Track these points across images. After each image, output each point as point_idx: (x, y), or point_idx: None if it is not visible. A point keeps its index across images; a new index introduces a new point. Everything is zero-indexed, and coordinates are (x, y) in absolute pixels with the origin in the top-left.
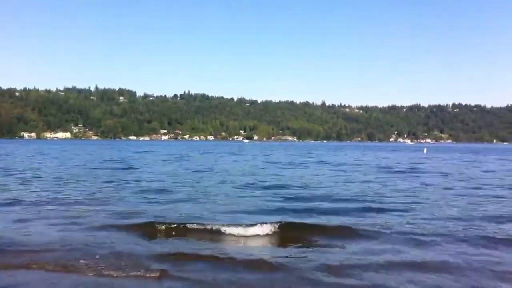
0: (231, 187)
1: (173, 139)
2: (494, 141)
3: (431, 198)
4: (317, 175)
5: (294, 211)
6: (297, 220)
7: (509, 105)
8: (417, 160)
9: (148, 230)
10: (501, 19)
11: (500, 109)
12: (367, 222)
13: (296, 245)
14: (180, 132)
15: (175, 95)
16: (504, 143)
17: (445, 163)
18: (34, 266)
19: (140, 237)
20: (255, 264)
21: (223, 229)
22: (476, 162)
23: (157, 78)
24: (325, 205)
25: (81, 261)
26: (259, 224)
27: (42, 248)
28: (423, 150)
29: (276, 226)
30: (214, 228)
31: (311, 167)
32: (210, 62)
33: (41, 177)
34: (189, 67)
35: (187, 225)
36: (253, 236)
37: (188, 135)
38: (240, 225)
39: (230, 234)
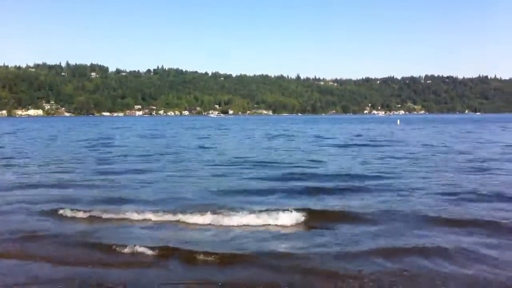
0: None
1: (147, 115)
2: (466, 111)
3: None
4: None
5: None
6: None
7: (481, 75)
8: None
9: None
10: None
11: (471, 79)
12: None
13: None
14: (155, 107)
15: (149, 70)
16: (477, 113)
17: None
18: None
19: None
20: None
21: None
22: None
23: (130, 53)
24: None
25: None
26: (285, 212)
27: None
28: (397, 122)
29: (303, 214)
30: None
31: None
32: (183, 36)
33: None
34: (162, 42)
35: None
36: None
37: (162, 111)
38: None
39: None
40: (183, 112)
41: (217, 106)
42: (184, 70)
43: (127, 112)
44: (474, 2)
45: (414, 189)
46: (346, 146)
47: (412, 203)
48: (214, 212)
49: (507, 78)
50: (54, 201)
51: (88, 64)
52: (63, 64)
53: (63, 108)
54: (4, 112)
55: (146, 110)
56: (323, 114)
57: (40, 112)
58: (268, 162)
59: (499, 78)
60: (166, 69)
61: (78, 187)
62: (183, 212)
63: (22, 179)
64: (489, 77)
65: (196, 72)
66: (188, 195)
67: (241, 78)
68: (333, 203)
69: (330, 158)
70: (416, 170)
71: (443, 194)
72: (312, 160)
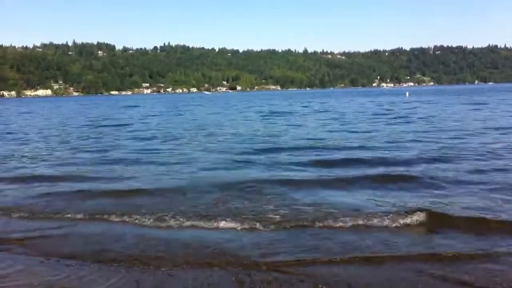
0: None
1: (156, 93)
2: (476, 81)
3: None
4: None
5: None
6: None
7: (490, 45)
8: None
9: None
10: None
11: (481, 49)
12: None
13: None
14: (163, 85)
15: (155, 48)
16: (489, 83)
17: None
18: None
19: None
20: None
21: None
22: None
23: (136, 30)
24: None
25: None
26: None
27: None
28: (406, 94)
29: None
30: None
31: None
32: (189, 12)
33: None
34: (168, 19)
35: None
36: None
37: (170, 88)
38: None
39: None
40: (191, 89)
41: (225, 82)
42: (191, 46)
43: (136, 90)
44: None
45: None
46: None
47: None
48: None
49: None
50: None
51: (95, 43)
52: (70, 44)
53: (72, 88)
54: (13, 93)
55: (154, 88)
56: (332, 88)
57: (49, 92)
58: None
59: (508, 47)
60: (173, 46)
61: None
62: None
63: None
64: (498, 46)
65: (203, 48)
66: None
67: (248, 54)
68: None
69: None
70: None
71: None
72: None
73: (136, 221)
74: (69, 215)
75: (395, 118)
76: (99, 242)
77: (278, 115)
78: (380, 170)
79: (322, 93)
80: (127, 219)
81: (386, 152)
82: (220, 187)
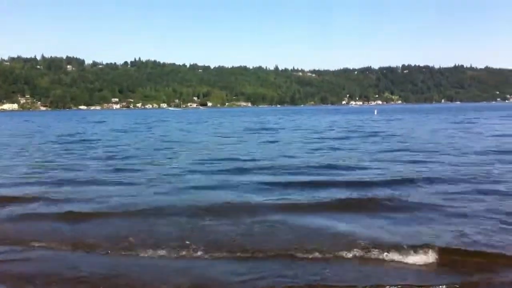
0: None
1: (125, 108)
2: (443, 101)
3: None
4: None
5: None
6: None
7: (457, 65)
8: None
9: None
10: None
11: (448, 69)
12: None
13: None
14: (132, 100)
15: (126, 63)
16: (457, 102)
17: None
18: None
19: None
20: None
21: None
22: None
23: (106, 45)
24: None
25: None
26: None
27: None
28: (374, 112)
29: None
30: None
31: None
32: (160, 27)
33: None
34: (139, 34)
35: None
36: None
37: (140, 104)
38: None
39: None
40: (161, 105)
41: (195, 98)
42: (162, 62)
43: (105, 105)
44: None
45: None
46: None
47: None
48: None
49: (482, 67)
50: None
51: (64, 57)
52: (39, 57)
53: (39, 102)
54: None
55: (124, 104)
56: (302, 105)
57: (15, 106)
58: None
59: (474, 67)
60: (144, 61)
61: None
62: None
63: None
64: (464, 66)
65: (174, 64)
66: None
67: (220, 70)
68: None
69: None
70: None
71: None
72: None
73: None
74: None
75: (368, 136)
76: None
77: (256, 132)
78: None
79: (293, 110)
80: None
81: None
82: (170, 210)
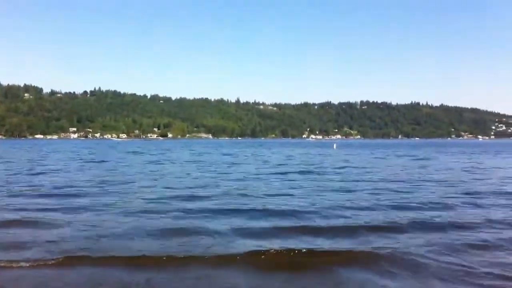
0: None
1: (83, 138)
2: (400, 136)
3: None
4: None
5: None
6: None
7: (413, 102)
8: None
9: None
10: (402, 20)
11: (404, 105)
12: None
13: None
14: (91, 130)
15: (85, 92)
16: (416, 138)
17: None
18: None
19: None
20: None
21: None
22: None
23: (65, 74)
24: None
25: None
26: None
27: None
28: (333, 146)
29: None
30: None
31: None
32: (121, 57)
33: None
34: (99, 63)
35: None
36: None
37: (99, 134)
38: None
39: None
40: (120, 135)
41: (156, 129)
42: (122, 92)
43: (62, 135)
44: (406, 33)
45: None
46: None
47: None
48: None
49: (437, 104)
50: None
51: (21, 84)
52: None
53: None
54: None
55: (82, 133)
56: (263, 138)
57: None
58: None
59: (430, 104)
60: (104, 91)
61: None
62: None
63: None
64: (420, 103)
65: (135, 94)
66: None
67: (181, 101)
68: None
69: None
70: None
71: None
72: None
73: None
74: None
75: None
76: None
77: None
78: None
79: (253, 142)
80: None
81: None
82: None
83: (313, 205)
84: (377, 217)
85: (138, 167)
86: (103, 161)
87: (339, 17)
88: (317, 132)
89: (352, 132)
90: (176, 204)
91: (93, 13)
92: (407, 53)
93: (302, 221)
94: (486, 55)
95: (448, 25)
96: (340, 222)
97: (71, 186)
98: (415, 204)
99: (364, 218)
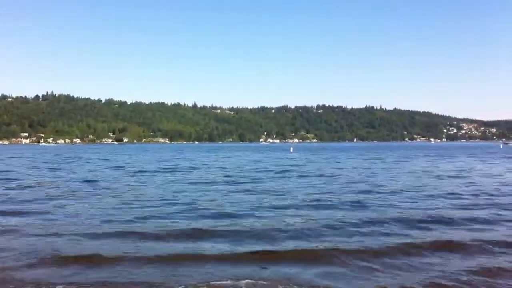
0: None
1: (35, 143)
2: (355, 140)
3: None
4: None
5: None
6: None
7: (368, 106)
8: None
9: None
10: (355, 25)
11: (359, 109)
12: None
13: None
14: (43, 135)
15: (37, 96)
16: (374, 141)
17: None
18: None
19: None
20: None
21: None
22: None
23: (16, 78)
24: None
25: None
26: None
27: None
28: (290, 149)
29: None
30: None
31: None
32: (75, 61)
33: None
34: (52, 66)
35: None
36: None
37: (52, 139)
38: None
39: None
40: (74, 140)
41: (111, 134)
42: (75, 96)
43: (13, 140)
44: (357, 37)
45: None
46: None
47: None
48: None
49: (391, 108)
50: None
51: None
52: None
53: None
54: None
55: (34, 138)
56: (220, 142)
57: None
58: None
59: (384, 108)
60: (56, 95)
61: None
62: None
63: None
64: (375, 107)
65: (88, 98)
66: None
67: (137, 106)
68: None
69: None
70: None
71: None
72: None
73: None
74: None
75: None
76: None
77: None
78: None
79: (210, 147)
80: None
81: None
82: None
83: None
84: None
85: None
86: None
87: (296, 22)
88: (274, 136)
89: (308, 135)
90: None
91: (45, 16)
92: (361, 58)
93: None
94: (437, 59)
95: (397, 30)
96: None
97: None
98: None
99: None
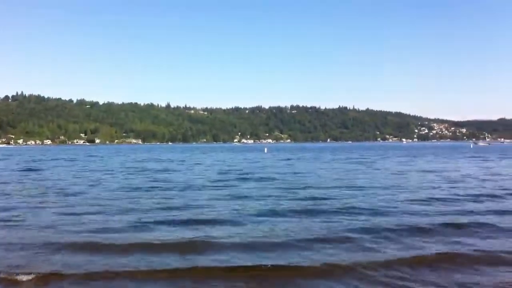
0: None
1: (5, 144)
2: (328, 140)
3: None
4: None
5: None
6: None
7: (341, 106)
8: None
9: None
10: (328, 25)
11: (332, 110)
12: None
13: None
14: (13, 136)
15: (6, 97)
16: (349, 142)
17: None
18: None
19: None
20: None
21: None
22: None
23: None
24: None
25: None
26: None
27: None
28: (264, 150)
29: None
30: None
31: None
32: (45, 60)
33: None
34: (21, 66)
35: None
36: None
37: (22, 140)
38: None
39: None
40: (45, 141)
41: (82, 134)
42: (46, 97)
43: None
44: (330, 39)
45: None
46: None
47: None
48: None
49: (364, 108)
50: None
51: None
52: None
53: None
54: None
55: (4, 140)
56: (194, 143)
57: None
58: None
59: (357, 109)
60: (26, 95)
61: None
62: None
63: None
64: (348, 107)
65: (60, 99)
66: None
67: (109, 106)
68: None
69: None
70: None
71: None
72: None
73: None
74: None
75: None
76: None
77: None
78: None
79: (184, 147)
80: None
81: None
82: None
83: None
84: None
85: None
86: None
87: (269, 22)
88: (248, 136)
89: (282, 136)
90: None
91: (13, 15)
92: (334, 59)
93: None
94: (408, 59)
95: (369, 31)
96: None
97: None
98: None
99: None
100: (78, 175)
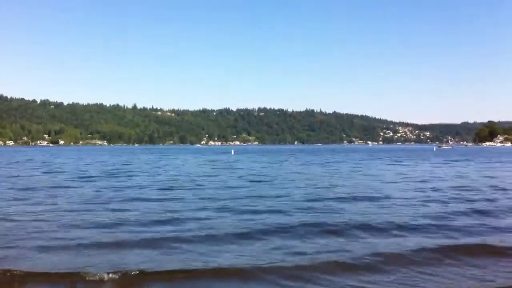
0: None
1: None
2: (296, 142)
3: None
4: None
5: None
6: None
7: (308, 109)
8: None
9: None
10: (291, 28)
11: (299, 113)
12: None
13: None
14: None
15: None
16: (318, 144)
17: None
18: None
19: None
20: None
21: None
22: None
23: None
24: None
25: None
26: None
27: None
28: (231, 152)
29: None
30: None
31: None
32: (8, 59)
33: None
34: None
35: None
36: None
37: None
38: None
39: None
40: (7, 142)
41: (46, 136)
42: (9, 97)
43: None
44: (299, 41)
45: None
46: None
47: None
48: None
49: (330, 111)
50: None
51: None
52: None
53: None
54: None
55: None
56: (161, 145)
57: None
58: None
59: (324, 111)
60: None
61: None
62: None
63: None
64: (315, 110)
65: (23, 99)
66: None
67: (74, 107)
68: None
69: None
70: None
71: None
72: None
73: None
74: None
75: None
76: None
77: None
78: None
79: (150, 149)
80: None
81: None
82: None
83: None
84: None
85: None
86: None
87: (238, 25)
88: (216, 138)
89: (250, 138)
90: None
91: None
92: (301, 61)
93: None
94: (375, 63)
95: (335, 34)
96: None
97: None
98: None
99: None
100: None
